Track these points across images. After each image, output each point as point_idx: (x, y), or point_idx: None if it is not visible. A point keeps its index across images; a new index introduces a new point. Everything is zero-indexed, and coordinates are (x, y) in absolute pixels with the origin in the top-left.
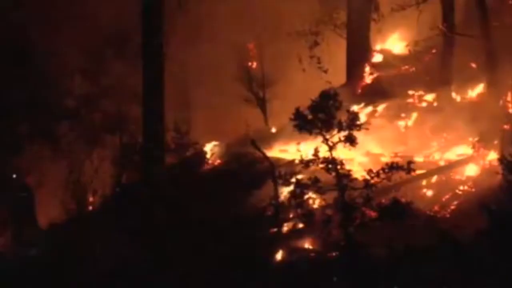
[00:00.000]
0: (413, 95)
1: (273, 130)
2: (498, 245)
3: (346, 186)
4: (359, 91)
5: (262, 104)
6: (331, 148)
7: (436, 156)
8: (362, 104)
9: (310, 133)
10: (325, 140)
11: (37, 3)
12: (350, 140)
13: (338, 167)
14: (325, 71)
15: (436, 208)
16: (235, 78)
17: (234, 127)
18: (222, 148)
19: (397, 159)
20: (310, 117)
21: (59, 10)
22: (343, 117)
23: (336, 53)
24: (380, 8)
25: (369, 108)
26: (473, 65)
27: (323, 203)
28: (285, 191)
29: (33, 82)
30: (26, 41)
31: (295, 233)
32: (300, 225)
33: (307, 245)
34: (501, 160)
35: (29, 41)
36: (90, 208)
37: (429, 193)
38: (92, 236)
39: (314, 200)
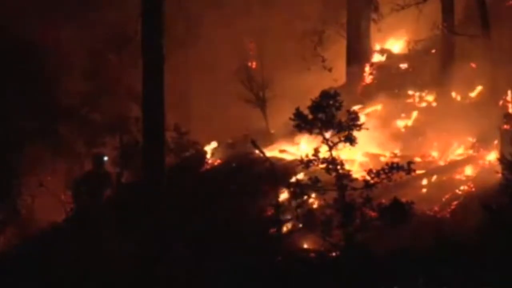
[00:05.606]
0: (413, 95)
1: (273, 130)
2: (498, 245)
3: (346, 186)
4: (359, 91)
5: (262, 104)
6: (331, 148)
7: (436, 156)
8: (362, 104)
9: (310, 133)
10: (325, 140)
11: (37, 2)
12: (350, 140)
13: (338, 167)
14: (330, 70)
15: (436, 208)
16: (235, 78)
17: (234, 127)
18: (222, 148)
19: (397, 159)
20: (310, 117)
21: (60, 10)
22: (343, 117)
23: (336, 52)
24: (380, 8)
25: (369, 108)
26: (473, 65)
27: (323, 203)
28: (285, 191)
29: (33, 82)
30: (26, 40)
31: (295, 233)
32: (300, 225)
33: (307, 245)
34: (501, 160)
35: (29, 40)
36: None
37: (429, 193)
38: (92, 236)
39: (314, 200)
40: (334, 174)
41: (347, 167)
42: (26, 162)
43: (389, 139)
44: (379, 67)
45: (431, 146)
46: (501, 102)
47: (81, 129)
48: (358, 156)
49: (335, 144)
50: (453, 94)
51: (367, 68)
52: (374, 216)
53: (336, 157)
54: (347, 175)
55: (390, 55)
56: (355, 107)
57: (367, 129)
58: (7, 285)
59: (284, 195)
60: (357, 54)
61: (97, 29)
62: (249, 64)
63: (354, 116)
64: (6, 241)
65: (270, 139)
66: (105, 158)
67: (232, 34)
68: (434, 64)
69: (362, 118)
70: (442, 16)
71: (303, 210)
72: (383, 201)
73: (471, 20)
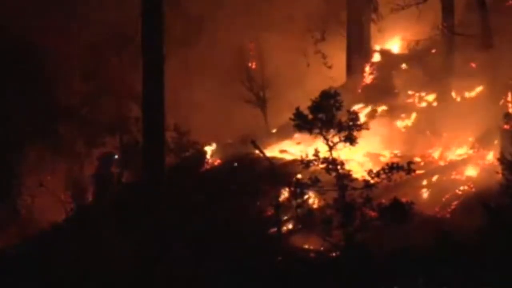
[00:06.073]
0: (413, 95)
1: (273, 130)
2: (498, 245)
3: (346, 186)
4: (359, 91)
5: (262, 104)
6: (331, 148)
7: (436, 156)
8: (362, 104)
9: (310, 133)
10: (325, 140)
11: (38, 3)
12: (350, 140)
13: (338, 167)
14: (330, 67)
15: (436, 208)
16: (235, 78)
17: (234, 127)
18: (222, 148)
19: (397, 159)
20: (310, 117)
21: (60, 10)
22: (343, 117)
23: (337, 52)
24: (379, 8)
25: (369, 108)
26: (473, 65)
27: (323, 203)
28: (285, 191)
29: (33, 82)
30: (26, 41)
31: (295, 233)
32: (300, 225)
33: (307, 245)
34: (501, 160)
35: (29, 40)
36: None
37: (429, 193)
38: (92, 236)
39: (314, 200)
40: (334, 174)
41: (347, 167)
42: (26, 162)
43: (389, 139)
44: (379, 67)
45: (431, 146)
46: (501, 102)
47: (81, 129)
48: (358, 156)
49: (335, 144)
50: (453, 94)
51: (367, 68)
52: (374, 216)
53: (336, 157)
54: (347, 175)
55: (390, 55)
56: (355, 107)
57: (368, 129)
58: (7, 285)
59: (284, 195)
60: (357, 54)
61: (97, 29)
62: (249, 64)
63: (354, 116)
64: (6, 241)
65: (270, 139)
66: (116, 156)
67: (232, 34)
68: (434, 64)
69: (362, 118)
70: (442, 16)
71: (303, 210)
72: (383, 201)
73: (471, 20)
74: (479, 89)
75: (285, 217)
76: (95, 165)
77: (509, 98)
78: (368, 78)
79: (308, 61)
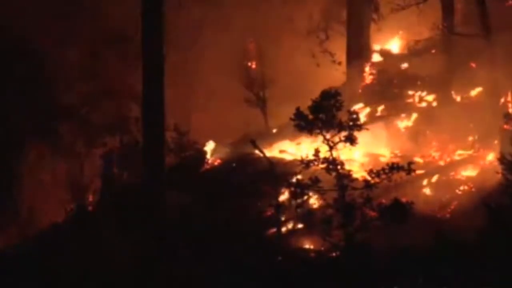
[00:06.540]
0: (413, 95)
1: (273, 130)
2: (498, 245)
3: (346, 186)
4: (359, 91)
5: (262, 104)
6: (331, 148)
7: (436, 156)
8: (362, 104)
9: (311, 133)
10: (326, 140)
11: (38, 3)
12: (351, 140)
13: (339, 167)
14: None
15: (436, 208)
16: (235, 78)
17: (234, 127)
18: (222, 148)
19: (397, 159)
20: (310, 117)
21: (60, 10)
22: (343, 117)
23: (337, 52)
24: (380, 8)
25: (369, 108)
26: (473, 65)
27: (323, 203)
28: (285, 191)
29: (34, 82)
30: (26, 41)
31: (295, 233)
32: (300, 225)
33: (307, 245)
34: (501, 160)
35: (29, 40)
36: (90, 208)
37: (429, 193)
38: (92, 236)
39: (314, 200)
40: (334, 174)
41: (347, 167)
42: (26, 162)
43: (389, 139)
44: (379, 67)
45: (431, 146)
46: (501, 102)
47: (81, 129)
48: (358, 156)
49: (335, 144)
50: (453, 94)
51: (367, 68)
52: (374, 216)
53: (337, 157)
54: (347, 175)
55: (390, 55)
56: (356, 107)
57: (368, 129)
58: (7, 285)
59: (284, 195)
60: (357, 54)
61: (97, 29)
62: (249, 64)
63: (355, 116)
64: (6, 241)
65: (270, 139)
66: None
67: (232, 34)
68: (434, 64)
69: (362, 118)
70: (442, 16)
71: (303, 210)
72: (383, 201)
73: (471, 20)
74: (479, 89)
75: (285, 217)
76: (100, 164)
77: (509, 98)
78: (368, 78)
79: (305, 64)
